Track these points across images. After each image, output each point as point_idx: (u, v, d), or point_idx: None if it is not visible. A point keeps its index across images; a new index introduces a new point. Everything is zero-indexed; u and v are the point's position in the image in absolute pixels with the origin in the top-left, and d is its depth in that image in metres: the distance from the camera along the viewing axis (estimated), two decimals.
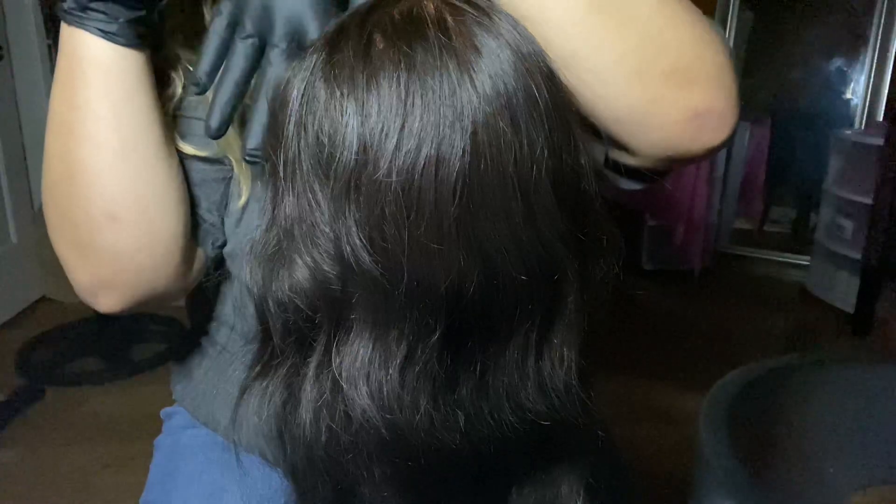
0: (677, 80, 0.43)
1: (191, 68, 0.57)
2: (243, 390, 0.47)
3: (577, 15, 0.42)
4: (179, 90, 0.58)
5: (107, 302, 0.53)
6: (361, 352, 0.42)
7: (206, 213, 0.57)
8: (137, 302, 0.54)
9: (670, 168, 0.49)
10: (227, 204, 0.58)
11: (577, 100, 0.44)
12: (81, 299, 0.54)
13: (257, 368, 0.46)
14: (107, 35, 0.46)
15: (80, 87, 0.47)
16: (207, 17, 0.55)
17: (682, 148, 0.45)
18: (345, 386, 0.42)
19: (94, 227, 0.50)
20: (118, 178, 0.49)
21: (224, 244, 0.59)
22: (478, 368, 0.43)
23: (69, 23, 0.46)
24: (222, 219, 0.58)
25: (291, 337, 0.44)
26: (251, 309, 0.50)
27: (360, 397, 0.42)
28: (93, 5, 0.45)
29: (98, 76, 0.47)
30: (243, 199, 0.56)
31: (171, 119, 0.56)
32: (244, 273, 0.45)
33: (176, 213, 0.52)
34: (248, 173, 0.56)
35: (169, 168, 0.51)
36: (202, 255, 0.57)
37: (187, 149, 0.54)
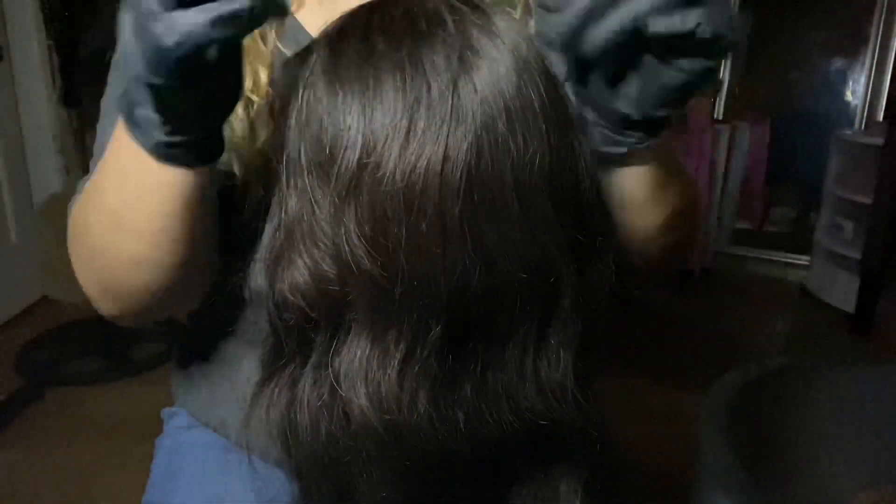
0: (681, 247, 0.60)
1: None
2: (255, 392, 0.47)
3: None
4: None
5: (123, 322, 0.55)
6: (360, 352, 0.42)
7: None
8: (154, 319, 0.56)
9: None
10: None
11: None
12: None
13: (266, 370, 0.46)
14: (167, 159, 0.42)
15: (137, 201, 0.45)
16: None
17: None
18: (343, 386, 0.42)
19: (127, 277, 0.50)
20: (163, 269, 0.49)
21: None
22: (478, 368, 0.43)
23: (135, 140, 0.42)
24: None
25: (293, 338, 0.44)
26: (249, 309, 0.49)
27: (358, 398, 0.42)
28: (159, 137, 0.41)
29: (159, 194, 0.44)
30: None
31: None
32: (250, 275, 0.45)
33: (210, 262, 0.52)
34: (257, 177, 0.55)
35: (212, 240, 0.50)
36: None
37: None
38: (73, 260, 0.54)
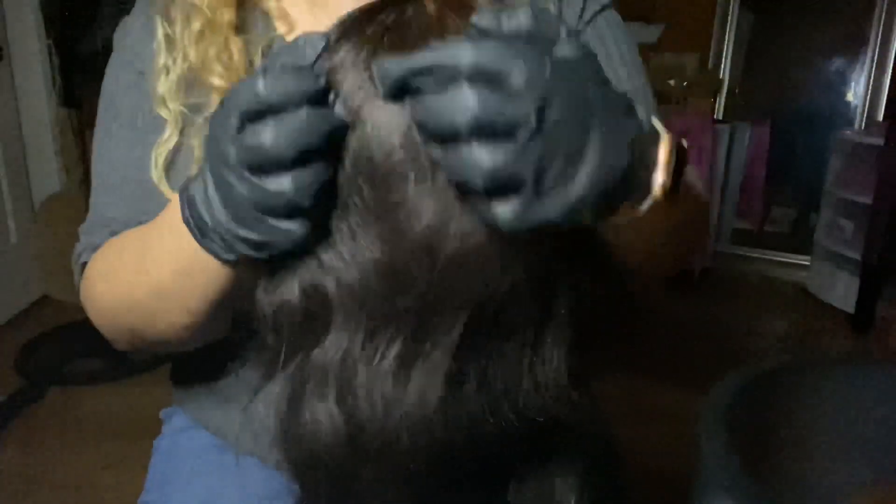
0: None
1: (186, 111, 0.58)
2: (253, 393, 0.47)
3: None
4: (175, 138, 0.58)
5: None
6: (360, 354, 0.42)
7: None
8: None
9: None
10: None
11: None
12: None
13: (264, 371, 0.46)
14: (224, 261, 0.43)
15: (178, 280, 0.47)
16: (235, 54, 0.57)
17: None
18: (345, 387, 0.42)
19: (160, 335, 0.52)
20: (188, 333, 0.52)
21: None
22: (479, 367, 0.43)
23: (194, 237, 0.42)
24: None
25: (291, 340, 0.44)
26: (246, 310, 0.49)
27: (361, 399, 0.42)
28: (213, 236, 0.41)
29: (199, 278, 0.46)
30: None
31: (162, 170, 0.57)
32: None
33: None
34: None
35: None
36: None
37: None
38: (89, 306, 0.55)
